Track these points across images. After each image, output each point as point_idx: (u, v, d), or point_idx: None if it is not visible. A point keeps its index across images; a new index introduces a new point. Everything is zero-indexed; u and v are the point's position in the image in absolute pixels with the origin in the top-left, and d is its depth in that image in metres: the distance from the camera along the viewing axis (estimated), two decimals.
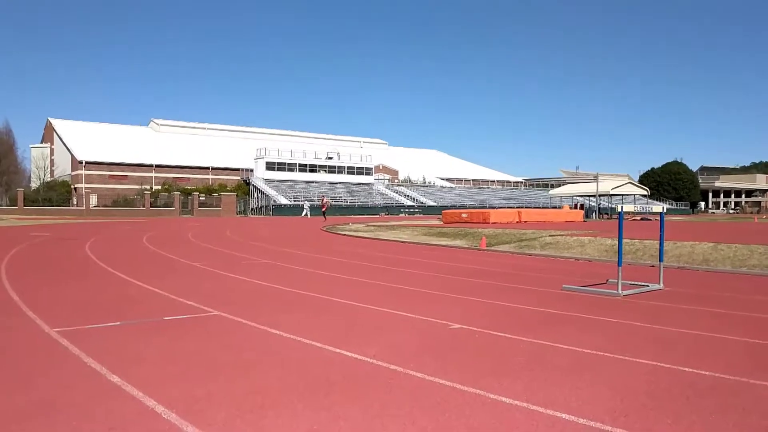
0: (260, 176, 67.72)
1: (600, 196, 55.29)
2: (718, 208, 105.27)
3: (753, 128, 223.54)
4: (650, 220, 35.44)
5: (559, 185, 78.84)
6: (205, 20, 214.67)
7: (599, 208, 55.22)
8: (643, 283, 7.75)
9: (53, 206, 53.29)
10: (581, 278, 8.68)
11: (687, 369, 3.82)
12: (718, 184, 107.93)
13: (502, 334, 4.84)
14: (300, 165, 71.28)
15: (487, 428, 2.80)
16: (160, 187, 64.04)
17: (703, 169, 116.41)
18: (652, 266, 10.19)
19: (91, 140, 70.70)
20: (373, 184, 76.04)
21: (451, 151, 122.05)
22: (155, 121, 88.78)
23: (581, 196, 63.03)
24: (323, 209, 44.08)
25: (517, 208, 49.97)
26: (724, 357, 4.15)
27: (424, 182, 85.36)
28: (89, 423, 2.82)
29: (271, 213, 59.55)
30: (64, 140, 70.80)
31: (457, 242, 16.60)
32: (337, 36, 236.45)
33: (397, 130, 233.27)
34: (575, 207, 53.40)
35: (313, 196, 61.71)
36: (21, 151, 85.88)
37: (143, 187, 62.92)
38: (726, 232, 20.19)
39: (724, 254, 11.13)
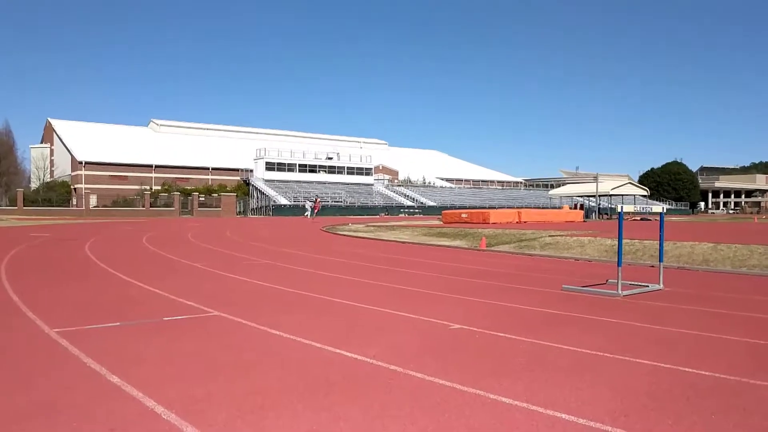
0: (260, 176, 67.74)
1: (600, 196, 55.31)
2: (718, 208, 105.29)
3: (753, 128, 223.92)
4: (650, 220, 35.45)
5: (559, 185, 78.90)
6: (205, 20, 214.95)
7: (599, 208, 55.22)
8: (643, 284, 7.75)
9: (53, 207, 53.30)
10: (581, 278, 8.68)
11: (688, 369, 3.82)
12: (717, 184, 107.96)
13: (502, 335, 4.84)
14: (300, 165, 71.31)
15: (488, 429, 2.80)
16: (159, 188, 64.03)
17: (703, 170, 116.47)
18: (652, 266, 10.19)
19: (90, 140, 70.67)
20: (373, 185, 76.04)
21: (451, 152, 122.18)
22: (155, 121, 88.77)
23: (581, 196, 63.05)
24: (315, 210, 44.00)
25: (517, 208, 49.98)
26: (725, 357, 4.14)
27: (424, 182, 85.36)
28: (89, 423, 2.82)
29: (271, 213, 59.56)
30: (63, 141, 70.78)
31: (457, 242, 16.60)
32: (337, 36, 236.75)
33: (397, 131, 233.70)
34: (575, 207, 53.41)
35: (314, 197, 61.73)
36: (21, 151, 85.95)
37: (143, 187, 62.91)
38: (726, 232, 20.19)
39: (724, 254, 11.13)
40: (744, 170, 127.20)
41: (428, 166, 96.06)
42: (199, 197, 59.97)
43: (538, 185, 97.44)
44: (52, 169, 73.20)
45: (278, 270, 9.84)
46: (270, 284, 7.97)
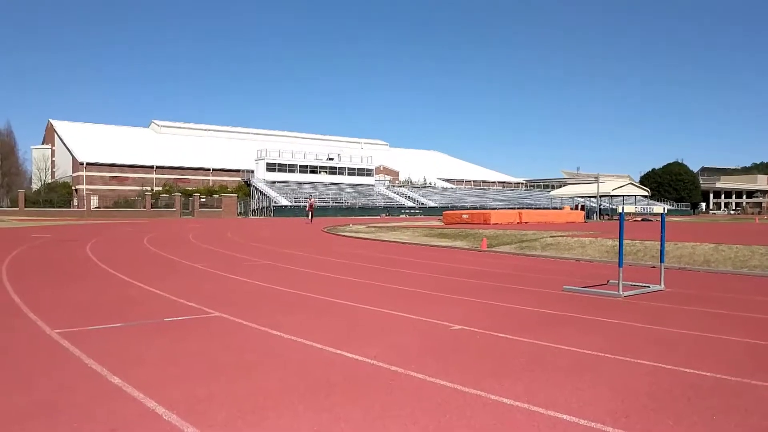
0: (261, 177, 67.77)
1: (601, 196, 55.29)
2: (719, 208, 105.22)
3: (754, 129, 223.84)
4: (651, 221, 35.43)
5: (560, 186, 78.87)
6: (205, 20, 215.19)
7: (600, 208, 55.19)
8: (644, 284, 7.75)
9: (54, 208, 53.34)
10: (582, 279, 8.68)
11: (688, 370, 3.81)
12: (719, 184, 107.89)
13: (503, 335, 4.84)
14: (301, 166, 71.35)
15: (489, 429, 2.80)
16: (160, 189, 64.06)
17: (704, 170, 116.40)
18: (653, 267, 10.19)
19: (92, 141, 70.73)
20: (373, 185, 76.06)
21: (452, 152, 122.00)
22: (156, 122, 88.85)
23: (582, 196, 63.06)
24: (310, 211, 43.00)
25: (517, 209, 50.02)
26: (726, 358, 4.14)
27: (425, 183, 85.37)
28: (90, 424, 2.83)
29: (271, 214, 59.57)
30: (65, 141, 70.85)
31: (458, 243, 16.60)
32: (337, 36, 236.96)
33: (397, 131, 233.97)
34: (576, 208, 53.40)
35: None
36: (22, 152, 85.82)
37: (144, 188, 62.95)
38: (727, 232, 20.17)
39: (725, 255, 11.12)
40: (745, 171, 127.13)
41: (429, 167, 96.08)
42: (200, 198, 60.00)
43: (539, 186, 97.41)
44: (54, 170, 73.25)
45: (279, 271, 9.85)
46: (271, 285, 7.97)
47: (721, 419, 2.94)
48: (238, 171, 70.69)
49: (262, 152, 69.67)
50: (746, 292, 7.42)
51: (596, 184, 54.29)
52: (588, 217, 45.60)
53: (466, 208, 60.20)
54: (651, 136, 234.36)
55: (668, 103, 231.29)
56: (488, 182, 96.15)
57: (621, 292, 6.92)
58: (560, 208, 51.66)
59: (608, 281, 8.19)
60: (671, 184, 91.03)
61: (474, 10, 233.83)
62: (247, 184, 68.70)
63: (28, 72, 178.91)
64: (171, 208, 57.43)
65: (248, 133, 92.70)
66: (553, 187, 78.40)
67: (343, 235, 21.40)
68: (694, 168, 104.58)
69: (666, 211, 8.32)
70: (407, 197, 74.86)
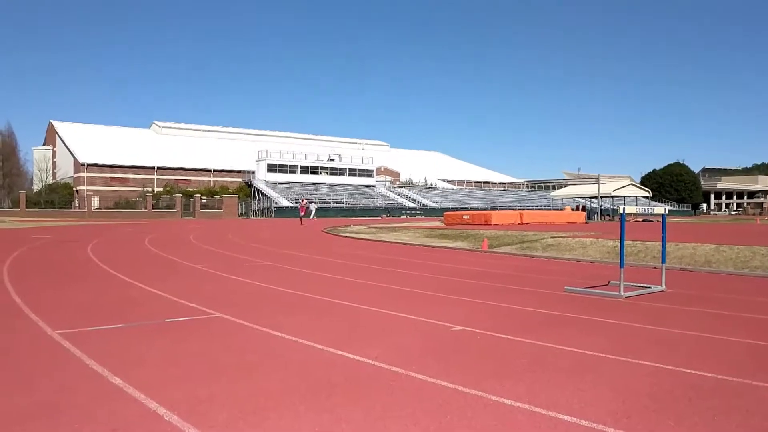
0: (262, 178, 67.81)
1: (602, 197, 55.28)
2: (720, 209, 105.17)
3: (754, 129, 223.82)
4: (652, 221, 35.40)
5: (561, 187, 78.84)
6: (205, 20, 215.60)
7: (601, 209, 55.18)
8: (645, 285, 7.74)
9: (55, 208, 53.38)
10: (583, 280, 8.67)
11: (689, 371, 3.81)
12: (720, 185, 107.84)
13: (504, 336, 4.84)
14: (301, 167, 71.38)
15: (490, 430, 2.80)
16: (161, 189, 64.10)
17: (705, 171, 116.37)
18: (654, 268, 10.18)
19: (93, 142, 70.79)
20: (374, 186, 76.07)
21: (453, 153, 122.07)
22: (157, 123, 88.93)
23: (583, 197, 63.04)
24: (302, 212, 42.58)
25: (518, 209, 50.02)
26: (727, 359, 4.14)
27: (426, 184, 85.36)
28: (91, 425, 2.83)
29: (272, 215, 59.59)
30: (66, 142, 70.92)
31: (459, 244, 16.60)
32: (337, 36, 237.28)
33: (398, 132, 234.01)
34: (577, 208, 53.37)
35: (315, 198, 61.76)
36: (23, 153, 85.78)
37: (145, 189, 62.97)
38: (728, 233, 20.16)
39: (726, 256, 11.11)
40: (746, 171, 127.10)
41: (430, 168, 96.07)
42: (201, 199, 60.02)
43: (539, 186, 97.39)
44: (55, 171, 73.32)
45: (280, 271, 9.85)
46: (272, 286, 7.97)
47: (722, 420, 2.93)
48: (239, 172, 70.72)
49: (263, 153, 69.72)
50: (747, 293, 7.41)
51: (597, 185, 54.28)
52: (589, 217, 45.59)
53: (467, 209, 60.20)
54: (652, 137, 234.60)
55: (668, 103, 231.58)
56: (489, 183, 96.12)
57: (622, 293, 6.92)
58: (561, 209, 51.60)
59: (609, 282, 8.19)
60: (672, 184, 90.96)
61: (474, 10, 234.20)
62: (248, 184, 68.73)
63: (28, 72, 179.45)
64: (172, 208, 57.46)
65: (249, 133, 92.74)
66: (554, 188, 78.40)
67: (344, 236, 21.40)
68: (695, 168, 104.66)
69: (667, 212, 8.32)
70: (408, 198, 74.86)
